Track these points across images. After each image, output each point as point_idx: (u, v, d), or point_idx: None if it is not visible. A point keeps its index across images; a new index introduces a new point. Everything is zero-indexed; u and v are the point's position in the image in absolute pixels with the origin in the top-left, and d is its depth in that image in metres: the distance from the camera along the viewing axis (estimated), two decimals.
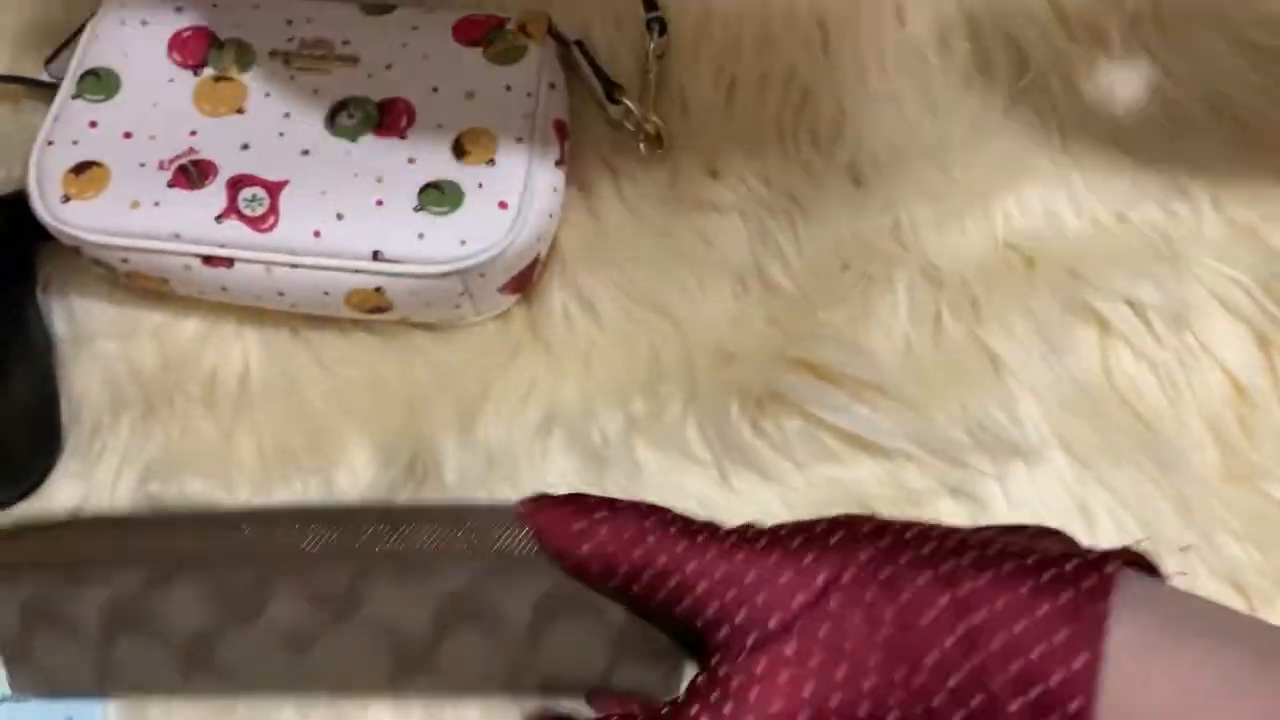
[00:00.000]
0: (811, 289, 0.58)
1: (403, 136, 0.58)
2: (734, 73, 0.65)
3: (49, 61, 0.63)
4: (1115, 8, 0.63)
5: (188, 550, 0.46)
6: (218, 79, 0.59)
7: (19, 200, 0.59)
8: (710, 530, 0.41)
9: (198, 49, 0.60)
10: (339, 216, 0.55)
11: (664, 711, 0.40)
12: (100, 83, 0.59)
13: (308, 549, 0.44)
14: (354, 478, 0.58)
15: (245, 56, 0.60)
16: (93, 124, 0.58)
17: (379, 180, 0.56)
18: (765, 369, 0.57)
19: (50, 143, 0.58)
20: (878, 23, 0.65)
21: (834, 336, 0.57)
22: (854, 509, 0.41)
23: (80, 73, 0.60)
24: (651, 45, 0.64)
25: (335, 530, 0.45)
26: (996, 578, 0.38)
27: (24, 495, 0.59)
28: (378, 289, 0.56)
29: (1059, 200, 0.60)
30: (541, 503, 0.42)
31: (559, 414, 0.57)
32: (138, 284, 0.60)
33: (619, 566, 0.41)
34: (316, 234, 0.55)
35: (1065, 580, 0.38)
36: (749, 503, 0.55)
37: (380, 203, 0.55)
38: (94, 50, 0.60)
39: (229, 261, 0.56)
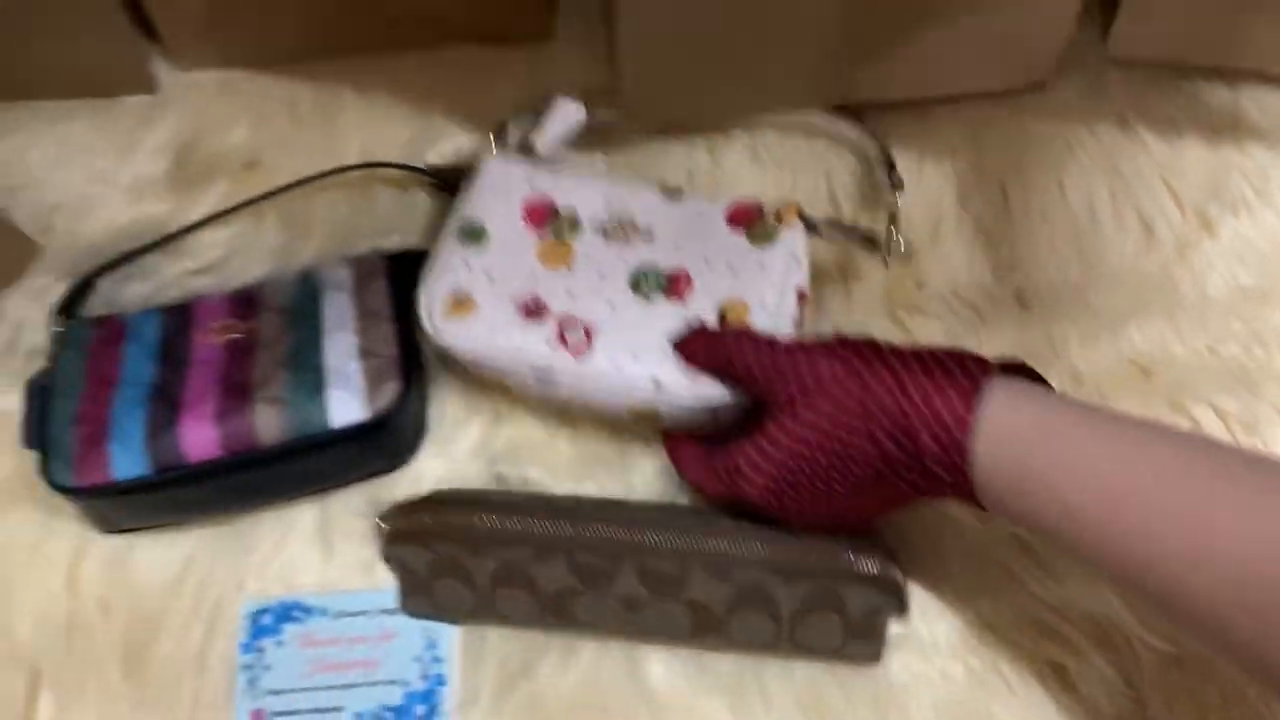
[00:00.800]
0: None
1: (683, 300, 0.73)
2: (940, 215, 0.85)
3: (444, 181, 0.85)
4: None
5: (563, 535, 0.67)
6: (555, 241, 0.76)
7: (415, 255, 0.78)
8: (770, 340, 0.66)
9: (542, 217, 0.77)
10: (634, 355, 0.71)
11: (727, 444, 0.67)
12: (473, 235, 0.76)
13: (647, 542, 0.67)
14: (645, 481, 0.77)
15: (574, 226, 0.77)
16: (467, 264, 0.75)
17: (664, 332, 0.71)
18: None
19: (436, 276, 0.74)
20: (1044, 188, 0.85)
21: None
22: None
23: (459, 226, 0.76)
24: (897, 198, 0.80)
25: (667, 532, 0.67)
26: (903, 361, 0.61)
27: (400, 467, 0.78)
28: (654, 408, 0.72)
29: (1169, 331, 0.78)
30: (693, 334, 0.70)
31: None
32: (484, 379, 0.77)
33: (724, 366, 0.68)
34: (617, 365, 0.71)
35: (952, 360, 0.60)
36: None
37: (664, 348, 0.71)
38: (470, 209, 0.77)
39: (552, 378, 0.72)
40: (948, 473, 0.59)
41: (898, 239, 0.76)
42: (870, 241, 0.77)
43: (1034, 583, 0.71)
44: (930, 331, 0.80)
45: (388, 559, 0.71)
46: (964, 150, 0.87)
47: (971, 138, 0.88)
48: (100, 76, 0.91)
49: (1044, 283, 0.82)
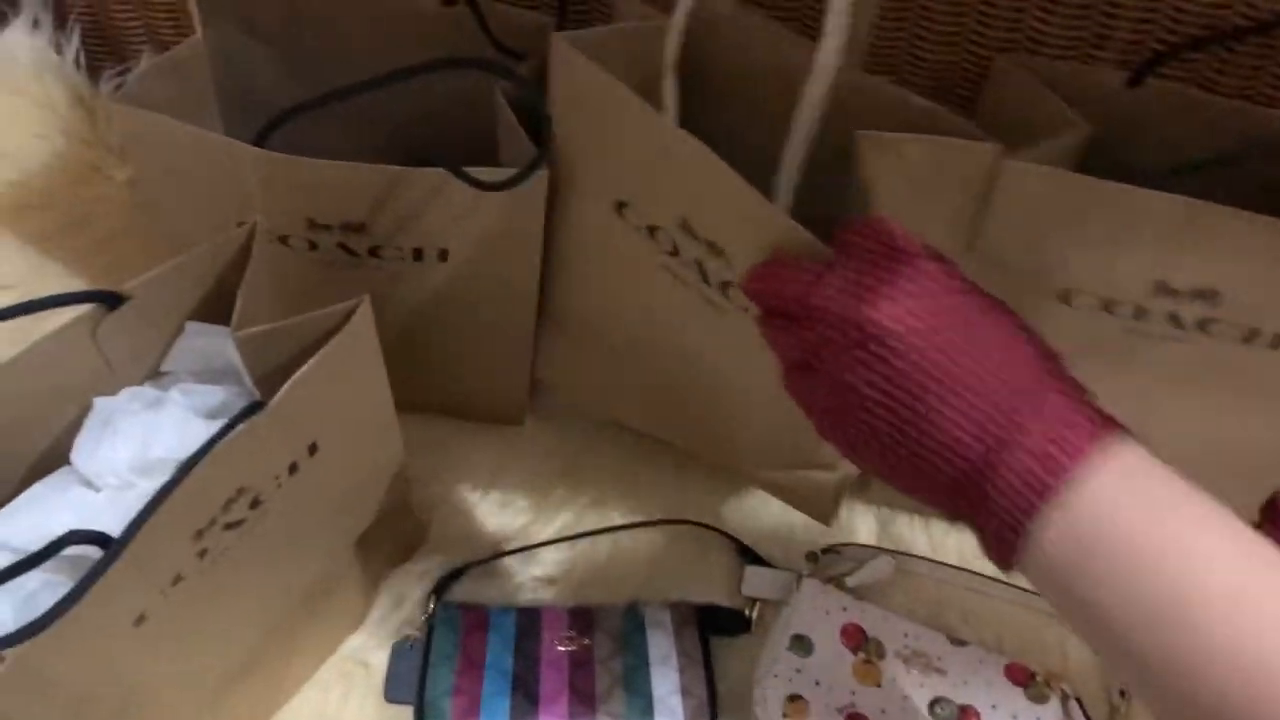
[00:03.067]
0: None
1: None
2: None
3: None
4: None
5: None
6: (865, 660, 0.88)
7: (715, 609, 0.96)
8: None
9: (855, 638, 0.90)
10: None
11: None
12: (801, 645, 0.89)
13: None
14: None
15: (880, 650, 0.89)
16: (799, 670, 0.87)
17: None
18: None
19: (775, 675, 0.87)
20: None
21: None
22: None
23: (790, 634, 0.89)
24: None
25: None
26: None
27: None
28: None
29: None
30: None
31: None
32: None
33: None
34: None
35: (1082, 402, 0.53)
36: None
37: None
38: (797, 621, 0.90)
39: None
40: (1008, 501, 0.52)
41: None
42: None
43: None
44: None
45: None
46: None
47: None
48: (488, 408, 1.10)
49: None
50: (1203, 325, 0.75)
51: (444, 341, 0.99)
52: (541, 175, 0.83)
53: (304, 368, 0.66)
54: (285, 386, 0.65)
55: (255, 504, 0.68)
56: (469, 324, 0.97)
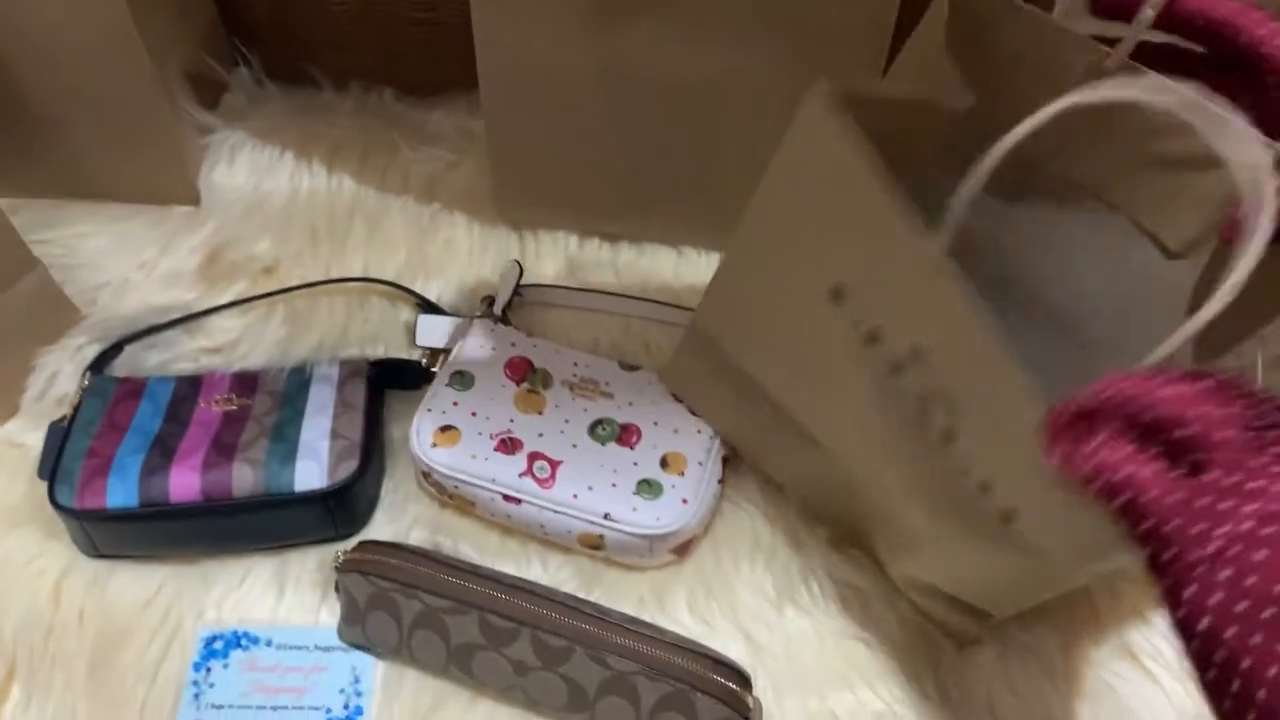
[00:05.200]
0: None
1: (632, 448, 0.85)
2: None
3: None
4: None
5: (480, 596, 0.78)
6: (530, 391, 0.88)
7: (394, 362, 0.95)
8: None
9: (521, 370, 0.90)
10: (590, 488, 0.83)
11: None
12: (462, 380, 0.88)
13: (547, 617, 0.77)
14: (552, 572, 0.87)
15: (548, 380, 0.89)
16: (455, 403, 0.87)
17: (614, 471, 0.84)
18: None
19: (429, 409, 0.87)
20: None
21: None
22: None
23: (451, 371, 0.89)
24: None
25: (565, 614, 0.78)
26: None
27: (351, 535, 0.88)
28: (600, 535, 0.83)
29: None
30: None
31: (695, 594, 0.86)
32: (453, 503, 0.88)
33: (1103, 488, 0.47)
34: (574, 496, 0.83)
35: None
36: None
37: (614, 485, 0.83)
38: (461, 359, 0.90)
39: (519, 501, 0.83)
40: None
41: None
42: None
43: None
44: None
45: (337, 586, 0.82)
46: None
47: None
48: (157, 189, 1.06)
49: None
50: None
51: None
52: None
53: None
54: None
55: None
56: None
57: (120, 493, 0.82)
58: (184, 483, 0.82)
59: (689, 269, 1.04)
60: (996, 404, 0.61)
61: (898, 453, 0.71)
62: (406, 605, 0.79)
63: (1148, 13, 0.61)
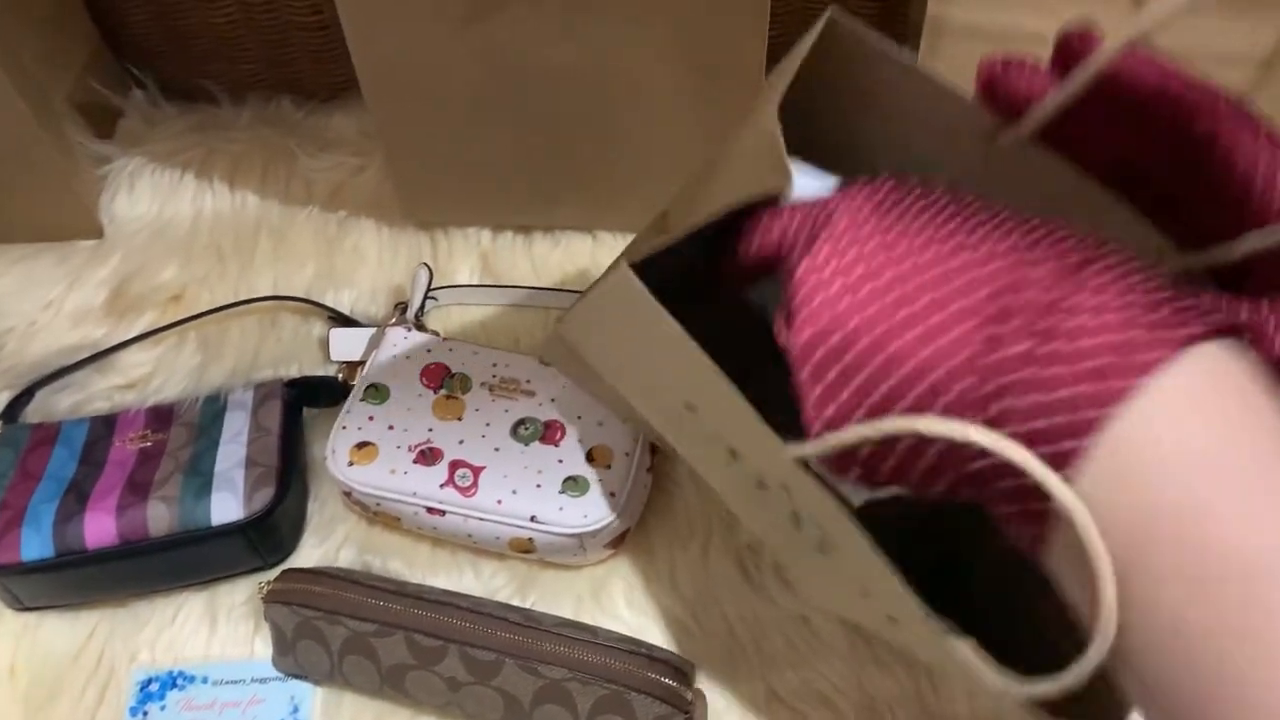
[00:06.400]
0: None
1: (557, 445, 0.83)
2: None
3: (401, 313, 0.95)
4: None
5: (405, 616, 0.77)
6: (448, 397, 0.86)
7: (310, 381, 0.93)
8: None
9: (437, 377, 0.87)
10: (514, 492, 0.80)
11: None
12: (377, 393, 0.86)
13: (473, 631, 0.75)
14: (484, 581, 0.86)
15: (466, 384, 0.87)
16: (370, 418, 0.84)
17: (539, 472, 0.81)
18: None
19: (344, 427, 0.84)
20: None
21: None
22: None
23: (365, 385, 0.87)
24: None
25: (492, 625, 0.76)
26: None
27: (282, 561, 0.87)
28: (529, 539, 0.81)
29: None
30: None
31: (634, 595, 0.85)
32: (379, 519, 0.86)
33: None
34: (499, 502, 0.80)
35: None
36: None
37: (539, 486, 0.80)
38: (374, 371, 0.88)
39: (442, 512, 0.81)
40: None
41: None
42: None
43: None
44: None
45: (265, 617, 0.81)
46: None
47: None
48: (57, 226, 1.04)
49: None
50: None
51: None
52: None
53: None
54: None
55: None
56: None
57: (35, 544, 0.80)
58: (99, 527, 0.80)
59: (605, 254, 1.02)
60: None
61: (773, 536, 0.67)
62: (332, 632, 0.77)
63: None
